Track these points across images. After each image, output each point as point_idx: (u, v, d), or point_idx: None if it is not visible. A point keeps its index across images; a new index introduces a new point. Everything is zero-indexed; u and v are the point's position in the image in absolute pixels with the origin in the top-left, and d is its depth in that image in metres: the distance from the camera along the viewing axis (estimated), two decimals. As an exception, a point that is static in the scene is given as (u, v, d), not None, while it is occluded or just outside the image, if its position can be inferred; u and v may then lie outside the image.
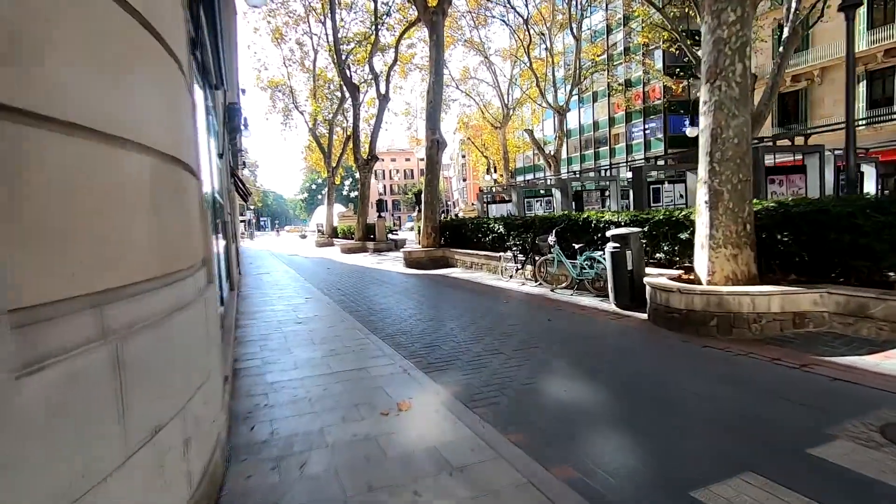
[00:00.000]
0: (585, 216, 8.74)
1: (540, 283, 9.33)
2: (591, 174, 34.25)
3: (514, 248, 10.59)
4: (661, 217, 7.25)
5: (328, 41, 28.46)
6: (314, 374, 4.30)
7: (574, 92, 32.99)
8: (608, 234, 7.08)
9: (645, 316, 6.31)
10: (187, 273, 2.48)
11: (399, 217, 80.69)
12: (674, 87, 31.82)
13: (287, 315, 7.34)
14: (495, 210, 21.32)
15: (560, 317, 6.70)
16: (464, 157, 67.20)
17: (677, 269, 6.87)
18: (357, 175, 77.96)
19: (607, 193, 17.33)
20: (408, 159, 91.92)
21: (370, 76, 29.06)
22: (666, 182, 14.17)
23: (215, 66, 7.34)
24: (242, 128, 22.20)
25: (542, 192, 23.28)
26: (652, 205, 12.91)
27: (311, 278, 12.77)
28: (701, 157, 5.98)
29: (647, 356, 4.74)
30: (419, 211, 17.74)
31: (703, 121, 5.95)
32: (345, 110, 35.34)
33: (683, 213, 6.93)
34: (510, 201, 22.06)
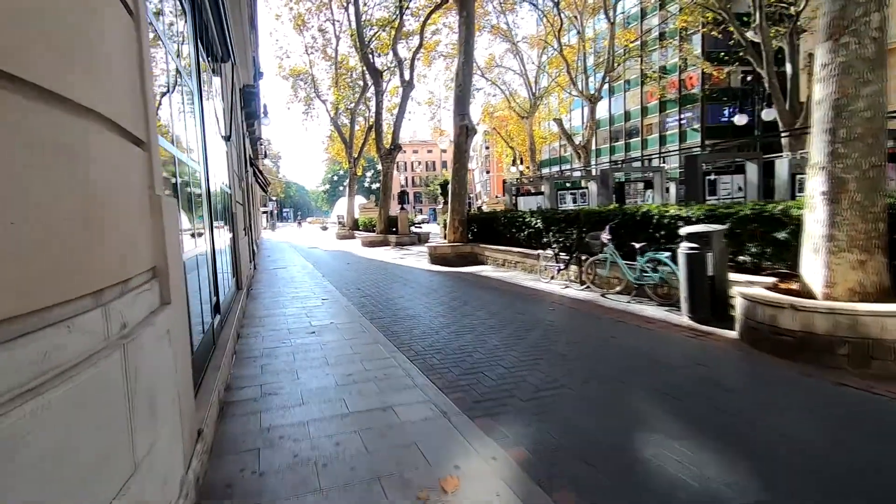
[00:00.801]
0: (644, 210, 7.49)
1: (587, 287, 8.14)
2: (635, 163, 32.41)
3: (555, 246, 9.41)
4: (748, 212, 5.97)
5: (351, 26, 27.48)
6: (325, 417, 3.25)
7: (605, 80, 31.31)
8: (683, 231, 5.85)
9: (732, 334, 5.10)
10: (109, 297, 1.45)
11: (420, 209, 79.73)
12: (715, 73, 29.82)
13: (299, 321, 6.34)
14: (523, 203, 20.08)
15: (624, 332, 5.53)
16: (487, 148, 65.72)
17: (768, 275, 5.60)
18: (379, 166, 77.83)
19: (639, 185, 15.94)
20: (430, 151, 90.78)
21: (393, 64, 28.02)
22: (713, 172, 12.73)
23: (218, 34, 6.34)
24: (262, 115, 21.42)
25: (573, 184, 21.96)
26: (707, 198, 11.52)
27: (329, 274, 11.82)
28: (816, 137, 4.70)
29: (776, 401, 3.53)
30: (444, 203, 16.63)
31: (821, 90, 4.66)
32: (367, 99, 34.41)
33: (780, 207, 5.65)
34: (539, 194, 20.78)
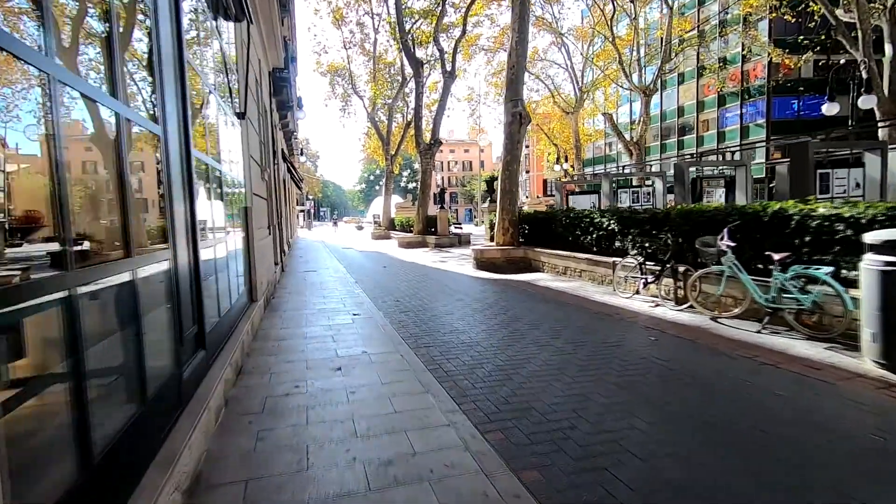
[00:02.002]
0: (776, 208, 5.64)
1: (689, 307, 6.35)
2: (712, 157, 29.79)
3: (635, 252, 7.65)
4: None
5: (390, 15, 26.31)
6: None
7: (661, 71, 28.89)
8: (868, 238, 4.04)
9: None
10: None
11: (456, 210, 78.01)
12: (786, 61, 26.90)
13: (323, 347, 4.87)
14: (575, 202, 18.21)
15: (779, 383, 3.77)
16: (527, 147, 63.56)
17: None
18: (416, 165, 76.66)
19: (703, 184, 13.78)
20: (467, 150, 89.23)
21: (433, 58, 26.63)
22: (827, 165, 10.59)
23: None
24: (296, 108, 20.38)
25: (627, 181, 20.00)
26: (818, 195, 9.46)
27: (363, 280, 10.41)
28: None
29: None
30: (490, 201, 15.00)
31: None
32: (405, 95, 33.22)
33: None
34: (590, 192, 18.87)
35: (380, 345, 4.99)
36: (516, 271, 11.32)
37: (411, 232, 24.52)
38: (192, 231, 3.15)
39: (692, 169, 13.39)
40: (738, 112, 35.38)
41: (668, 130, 43.04)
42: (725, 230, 5.68)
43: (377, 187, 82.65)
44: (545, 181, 60.95)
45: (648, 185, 16.74)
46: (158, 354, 2.48)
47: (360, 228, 47.45)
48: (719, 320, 5.79)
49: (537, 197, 53.26)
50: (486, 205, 14.89)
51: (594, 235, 9.11)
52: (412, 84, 33.68)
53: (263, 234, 7.85)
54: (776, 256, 5.05)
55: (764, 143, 33.64)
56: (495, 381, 3.94)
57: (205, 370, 3.27)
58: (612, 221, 8.54)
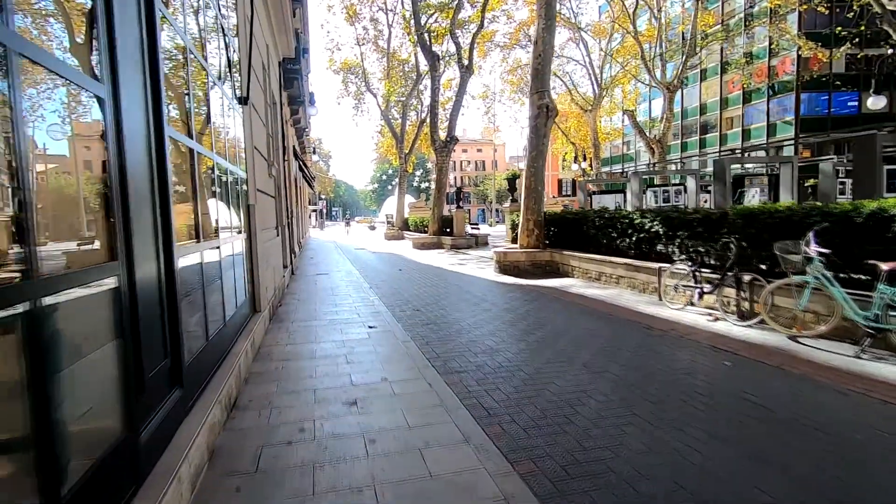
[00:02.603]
0: (873, 208, 4.73)
1: (759, 321, 5.46)
2: (758, 153, 28.62)
3: (684, 258, 6.78)
4: None
5: (405, 8, 25.63)
6: None
7: (685, 66, 27.76)
8: None
9: None
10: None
11: (469, 210, 76.78)
12: (821, 55, 25.61)
13: (335, 373, 4.10)
14: (599, 202, 17.30)
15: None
16: (542, 146, 62.52)
17: None
18: (429, 164, 75.75)
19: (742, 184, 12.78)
20: (480, 150, 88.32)
21: (447, 55, 25.84)
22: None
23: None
24: (308, 104, 19.74)
25: (651, 180, 19.10)
26: (885, 194, 8.47)
27: (378, 285, 9.65)
28: None
29: None
30: (512, 201, 14.16)
31: None
32: (420, 92, 32.49)
33: None
34: (611, 192, 17.97)
35: (402, 368, 4.20)
36: (542, 276, 10.48)
37: (426, 232, 23.76)
38: (165, 238, 2.39)
39: (733, 166, 12.40)
40: (765, 109, 34.01)
41: (689, 129, 41.72)
42: (811, 234, 4.79)
43: (389, 187, 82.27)
44: (560, 181, 59.84)
45: (676, 185, 15.77)
46: (95, 417, 1.71)
47: (373, 228, 46.80)
48: (799, 340, 4.90)
49: (553, 197, 52.11)
50: (507, 204, 14.06)
51: (633, 238, 8.22)
52: (427, 81, 33.09)
53: (270, 235, 7.12)
54: (884, 266, 4.15)
55: (792, 141, 32.33)
56: (551, 427, 3.11)
57: (181, 416, 2.50)
58: (655, 223, 7.66)
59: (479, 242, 19.91)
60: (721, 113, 38.15)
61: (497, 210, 54.78)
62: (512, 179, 14.61)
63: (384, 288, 9.37)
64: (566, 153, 38.96)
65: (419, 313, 6.83)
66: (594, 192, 17.31)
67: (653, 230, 7.71)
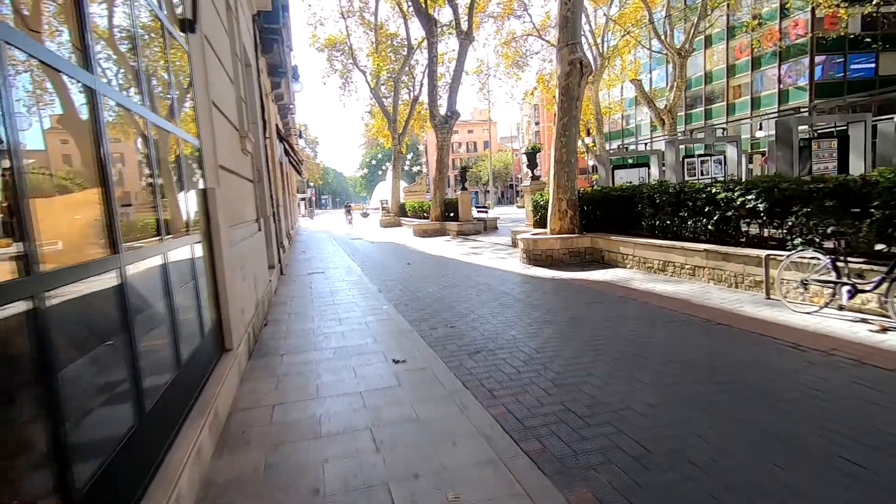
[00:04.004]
0: None
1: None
2: (834, 111, 26.62)
3: (804, 242, 5.05)
4: None
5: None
6: None
7: (695, 29, 25.79)
8: None
9: None
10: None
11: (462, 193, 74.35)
12: (843, 13, 23.66)
13: (357, 480, 2.31)
14: (619, 177, 15.50)
15: None
16: (537, 124, 60.37)
17: None
18: (420, 147, 73.28)
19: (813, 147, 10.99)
20: (471, 131, 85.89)
21: (441, 26, 23.63)
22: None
23: None
24: (291, 78, 17.60)
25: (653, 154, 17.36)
26: None
27: (389, 286, 7.84)
28: None
29: None
30: (532, 178, 12.32)
31: None
32: (411, 67, 30.28)
33: None
34: (639, 165, 16.18)
35: (477, 463, 2.41)
36: (582, 266, 8.73)
37: (426, 218, 21.90)
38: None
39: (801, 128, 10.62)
40: (776, 75, 32.20)
41: (693, 99, 39.84)
42: None
43: (380, 172, 79.83)
44: (538, 163, 57.80)
45: (711, 155, 13.99)
46: None
47: (366, 215, 44.64)
48: None
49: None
50: (526, 183, 12.20)
51: (714, 217, 6.46)
52: (418, 56, 30.93)
53: (248, 231, 5.25)
54: None
55: (806, 109, 30.61)
56: None
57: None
58: (750, 197, 5.88)
59: (488, 227, 18.10)
60: (728, 81, 36.28)
61: (489, 192, 52.78)
62: (532, 154, 12.75)
63: (396, 290, 7.56)
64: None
65: (456, 332, 5.04)
66: (620, 166, 15.54)
67: (746, 206, 5.94)
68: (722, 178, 12.26)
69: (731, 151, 12.92)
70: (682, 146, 13.98)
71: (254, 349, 4.51)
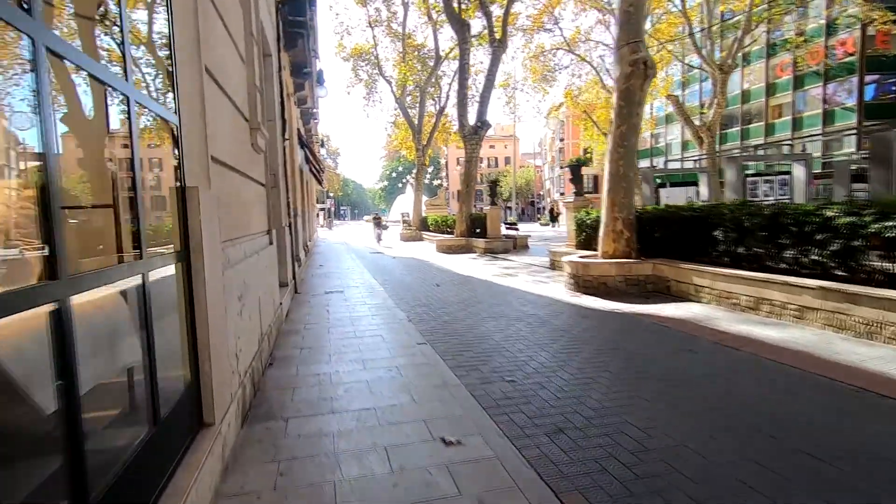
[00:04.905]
0: None
1: None
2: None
3: None
4: None
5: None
6: None
7: (738, 44, 24.48)
8: None
9: None
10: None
11: (482, 209, 73.05)
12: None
13: None
14: (665, 196, 14.20)
15: None
16: (562, 140, 59.20)
17: None
18: (441, 160, 72.62)
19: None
20: (492, 146, 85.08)
21: (470, 38, 22.79)
22: None
23: None
24: (315, 82, 16.79)
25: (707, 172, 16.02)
26: None
27: (419, 314, 6.65)
28: None
29: None
30: (577, 194, 11.11)
31: None
32: (438, 77, 29.52)
33: None
34: (686, 184, 14.89)
35: None
36: (643, 297, 7.45)
37: (450, 233, 20.79)
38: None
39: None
40: (821, 94, 30.58)
41: (729, 119, 38.29)
42: None
43: (400, 185, 79.39)
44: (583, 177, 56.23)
45: (778, 174, 12.62)
46: None
47: (385, 228, 43.73)
48: None
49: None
50: (570, 199, 10.99)
51: (832, 247, 5.16)
52: (445, 67, 30.19)
53: (255, 245, 4.15)
54: None
55: (854, 130, 28.86)
56: None
57: None
58: (891, 223, 4.58)
59: (518, 245, 16.87)
60: (767, 101, 34.71)
61: (510, 208, 51.44)
62: (576, 166, 11.53)
63: (428, 319, 6.37)
64: (598, 144, 35.71)
65: (518, 390, 3.81)
66: (664, 185, 14.25)
67: (885, 235, 4.65)
68: (788, 200, 10.91)
69: (797, 170, 11.56)
70: (743, 163, 12.64)
71: (251, 406, 3.35)
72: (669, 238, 7.89)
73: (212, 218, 2.59)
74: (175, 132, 2.30)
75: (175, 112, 2.30)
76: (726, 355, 4.55)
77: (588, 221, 9.94)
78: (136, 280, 1.81)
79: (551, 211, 46.51)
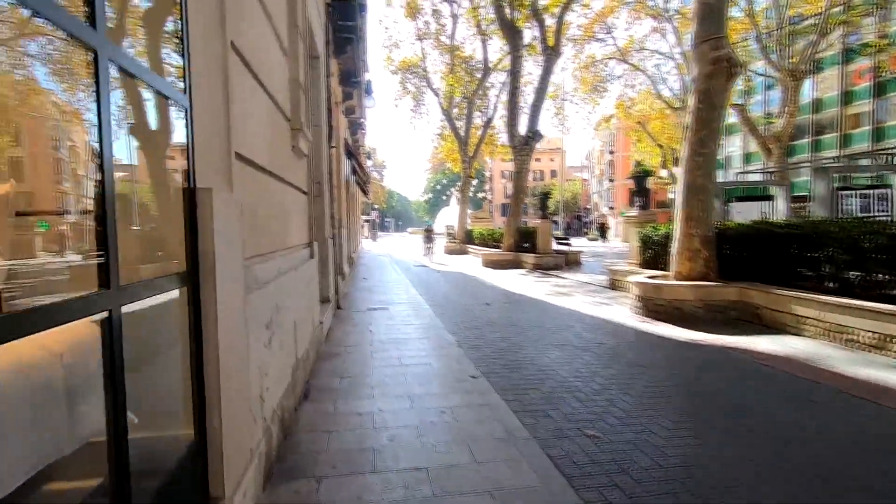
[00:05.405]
0: None
1: None
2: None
3: None
4: None
5: (475, -11, 22.43)
6: None
7: (814, 49, 22.67)
8: None
9: None
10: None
11: (525, 223, 71.53)
12: None
13: None
14: (736, 211, 12.93)
15: None
16: (611, 152, 57.34)
17: None
18: (487, 173, 72.10)
19: None
20: (538, 160, 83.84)
21: (520, 47, 22.20)
22: None
23: None
24: (364, 93, 16.65)
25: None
26: None
27: (469, 338, 5.96)
28: None
29: None
30: (640, 208, 10.17)
31: None
32: (486, 89, 29.09)
33: None
34: (761, 198, 13.59)
35: None
36: (727, 326, 6.47)
37: (496, 247, 20.05)
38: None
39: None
40: (908, 102, 27.84)
41: (798, 130, 35.65)
42: None
43: (444, 197, 79.49)
44: (632, 190, 54.03)
45: (856, 191, 11.19)
46: None
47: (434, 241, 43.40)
48: None
49: (630, 207, 46.55)
50: (633, 212, 10.05)
51: None
52: (492, 79, 29.71)
53: (292, 261, 3.63)
54: None
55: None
56: None
57: None
58: None
59: (570, 262, 15.92)
60: (842, 110, 32.05)
61: (556, 223, 50.01)
62: (641, 177, 10.58)
63: (481, 345, 5.68)
64: (652, 157, 34.09)
65: (607, 450, 3.06)
66: (734, 199, 13.03)
67: None
68: (886, 217, 9.54)
69: (899, 183, 10.15)
70: (835, 175, 11.28)
71: (277, 456, 2.78)
72: (756, 258, 6.87)
73: (231, 229, 2.04)
74: (185, 117, 1.77)
75: (185, 92, 1.76)
76: (860, 410, 3.61)
77: (655, 238, 8.98)
78: (101, 315, 1.25)
79: (602, 225, 44.86)
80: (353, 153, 15.77)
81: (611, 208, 56.76)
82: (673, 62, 31.27)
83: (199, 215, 1.80)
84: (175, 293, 1.73)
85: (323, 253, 6.37)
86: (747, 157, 38.92)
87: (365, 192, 24.56)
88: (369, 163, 33.88)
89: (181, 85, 1.76)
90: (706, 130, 7.31)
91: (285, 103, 3.74)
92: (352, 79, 11.88)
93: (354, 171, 17.19)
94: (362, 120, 17.93)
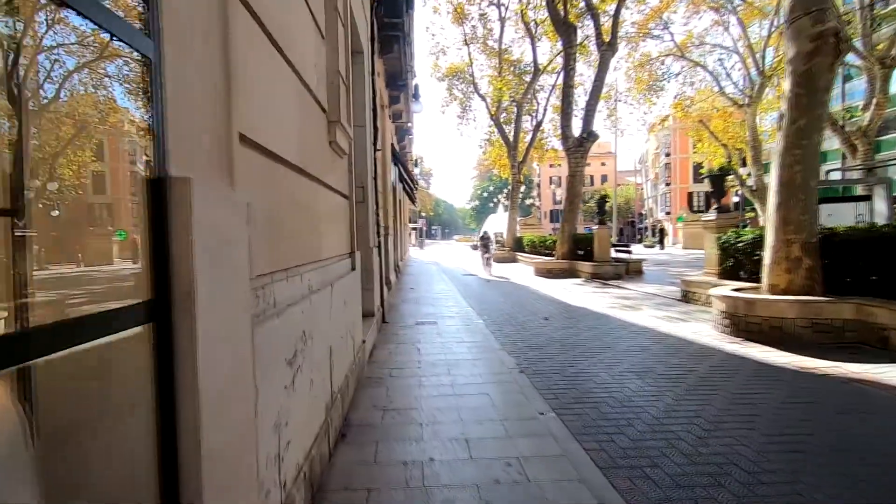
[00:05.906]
0: None
1: None
2: None
3: None
4: None
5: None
6: None
7: (904, 32, 20.31)
8: None
9: None
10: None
11: (576, 228, 69.11)
12: None
13: None
14: (829, 213, 11.39)
15: None
16: (668, 155, 54.56)
17: None
18: (535, 179, 70.99)
19: None
20: (588, 164, 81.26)
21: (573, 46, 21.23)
22: None
23: None
24: (412, 98, 16.27)
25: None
26: None
27: (530, 360, 5.21)
28: None
29: None
30: (719, 211, 9.02)
31: None
32: (535, 91, 28.21)
33: None
34: (860, 198, 12.01)
35: None
36: (842, 351, 5.36)
37: (547, 255, 19.07)
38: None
39: None
40: None
41: (888, 123, 32.22)
42: None
43: (491, 204, 78.51)
44: (690, 195, 51.02)
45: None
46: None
47: (476, 248, 42.80)
48: None
49: (690, 209, 43.73)
50: (710, 216, 8.93)
51: None
52: (542, 81, 28.78)
53: (328, 275, 3.07)
54: None
55: None
56: None
57: None
58: None
59: (631, 271, 14.74)
60: (936, 100, 28.65)
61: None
62: (718, 177, 9.36)
63: (546, 371, 4.90)
64: (715, 158, 31.80)
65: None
66: (829, 199, 11.55)
67: None
68: None
69: None
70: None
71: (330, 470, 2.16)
72: (874, 270, 5.72)
73: (228, 237, 1.45)
74: (145, 70, 1.18)
75: (147, 35, 1.18)
76: None
77: (739, 245, 7.86)
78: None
79: (661, 231, 42.60)
80: (399, 159, 15.39)
81: (667, 213, 53.90)
82: (738, 56, 29.23)
83: (170, 217, 1.21)
84: (134, 331, 1.14)
85: (367, 263, 5.83)
86: (825, 156, 35.66)
87: (412, 200, 24.24)
88: (416, 170, 33.69)
89: (140, 26, 1.18)
90: (806, 119, 6.23)
91: (320, 91, 3.19)
92: (398, 81, 11.46)
93: (401, 178, 16.83)
94: (409, 125, 17.58)
